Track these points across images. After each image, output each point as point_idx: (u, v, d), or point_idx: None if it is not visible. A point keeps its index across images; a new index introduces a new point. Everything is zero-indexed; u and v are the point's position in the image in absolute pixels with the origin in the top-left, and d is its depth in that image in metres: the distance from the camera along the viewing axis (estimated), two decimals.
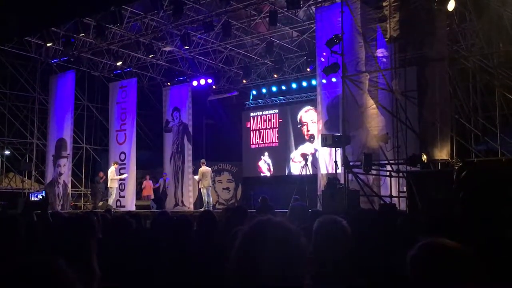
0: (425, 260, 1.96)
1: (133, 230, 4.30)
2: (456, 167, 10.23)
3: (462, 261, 1.89)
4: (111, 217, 6.72)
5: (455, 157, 11.19)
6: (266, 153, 22.25)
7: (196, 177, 18.14)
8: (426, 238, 2.07)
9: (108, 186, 18.44)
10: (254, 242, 1.61)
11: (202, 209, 16.02)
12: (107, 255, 2.40)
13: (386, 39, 11.92)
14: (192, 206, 19.14)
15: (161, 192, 19.55)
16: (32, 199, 17.96)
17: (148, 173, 20.60)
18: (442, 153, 11.04)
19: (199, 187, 17.78)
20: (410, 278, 1.98)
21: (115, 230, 4.34)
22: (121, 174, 19.10)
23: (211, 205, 17.18)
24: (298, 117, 21.56)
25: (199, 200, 19.31)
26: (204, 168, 17.47)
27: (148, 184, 19.83)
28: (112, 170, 18.42)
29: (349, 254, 2.89)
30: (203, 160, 17.86)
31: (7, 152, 21.09)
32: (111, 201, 18.16)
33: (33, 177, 20.73)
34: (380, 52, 12.30)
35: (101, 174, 19.70)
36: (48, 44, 18.42)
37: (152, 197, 19.59)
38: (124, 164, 19.66)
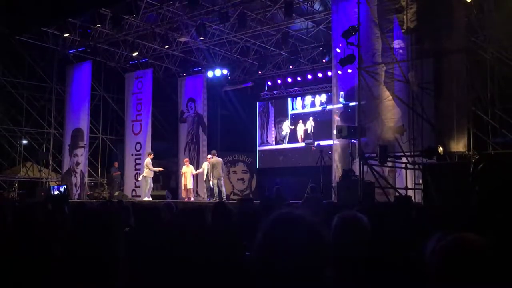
0: (450, 253, 1.91)
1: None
2: (473, 160, 10.15)
3: (487, 258, 1.87)
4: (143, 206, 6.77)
5: (471, 149, 11.09)
6: None
7: (201, 169, 17.94)
8: (441, 231, 2.04)
9: (144, 175, 17.91)
10: (275, 234, 1.67)
11: (215, 199, 16.03)
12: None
13: (403, 30, 11.81)
14: (206, 197, 19.18)
15: (207, 177, 17.85)
16: (53, 192, 17.87)
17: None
18: (459, 146, 10.95)
19: (209, 179, 17.15)
20: (429, 270, 1.95)
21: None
22: (136, 164, 19.14)
23: (225, 195, 17.03)
24: None
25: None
26: (215, 159, 16.99)
27: (189, 171, 18.16)
28: (149, 161, 18.04)
29: (367, 252, 2.85)
30: (214, 151, 17.38)
31: (24, 142, 21.32)
32: (146, 189, 17.76)
33: (50, 167, 20.95)
34: (397, 43, 12.19)
35: (116, 164, 19.74)
36: (65, 35, 18.55)
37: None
38: (140, 154, 19.78)
